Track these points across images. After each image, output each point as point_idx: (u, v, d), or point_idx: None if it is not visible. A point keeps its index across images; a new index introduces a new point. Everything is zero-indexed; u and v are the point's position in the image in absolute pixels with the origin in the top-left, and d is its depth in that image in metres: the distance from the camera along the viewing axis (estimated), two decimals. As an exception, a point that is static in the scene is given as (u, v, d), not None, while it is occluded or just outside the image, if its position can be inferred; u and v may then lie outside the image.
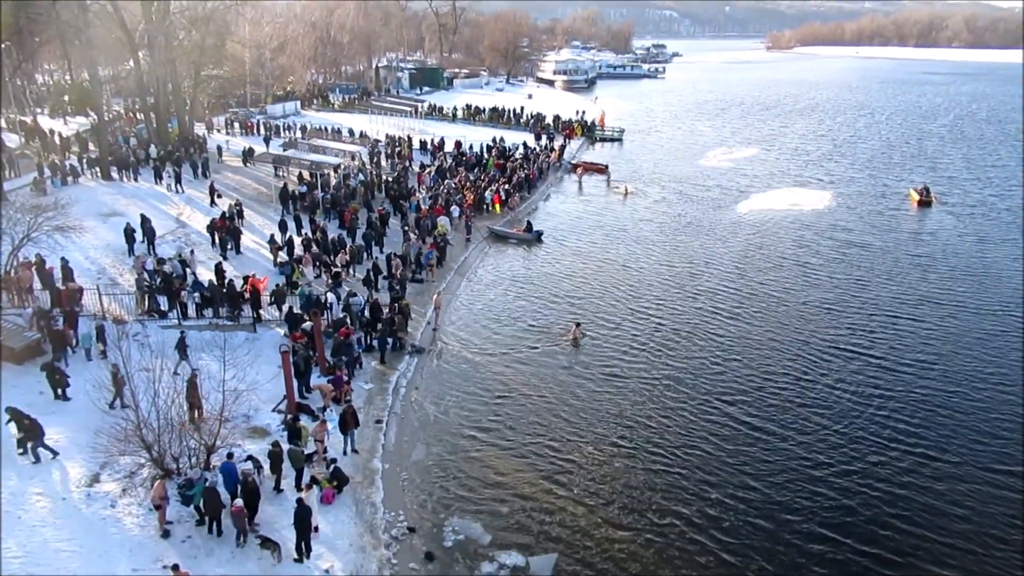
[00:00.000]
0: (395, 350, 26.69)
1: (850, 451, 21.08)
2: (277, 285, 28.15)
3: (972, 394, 24.12)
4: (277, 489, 18.97)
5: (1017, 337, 28.14)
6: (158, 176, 42.10)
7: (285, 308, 27.03)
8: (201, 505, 17.66)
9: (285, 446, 19.65)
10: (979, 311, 30.78)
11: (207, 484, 17.89)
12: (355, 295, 28.08)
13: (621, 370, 25.75)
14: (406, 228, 37.47)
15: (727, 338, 27.84)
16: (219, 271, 29.01)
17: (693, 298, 31.88)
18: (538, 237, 40.61)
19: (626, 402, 23.67)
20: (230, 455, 18.85)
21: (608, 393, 24.23)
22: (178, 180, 41.53)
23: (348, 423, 20.72)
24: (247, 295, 27.00)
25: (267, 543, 16.73)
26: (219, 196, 40.23)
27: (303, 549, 16.73)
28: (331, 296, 27.60)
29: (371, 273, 31.03)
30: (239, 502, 17.61)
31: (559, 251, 39.24)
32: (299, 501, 16.69)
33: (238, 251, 33.46)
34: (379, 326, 26.45)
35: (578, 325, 28.32)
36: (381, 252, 34.96)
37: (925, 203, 47.09)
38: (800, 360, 26.17)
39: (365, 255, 34.21)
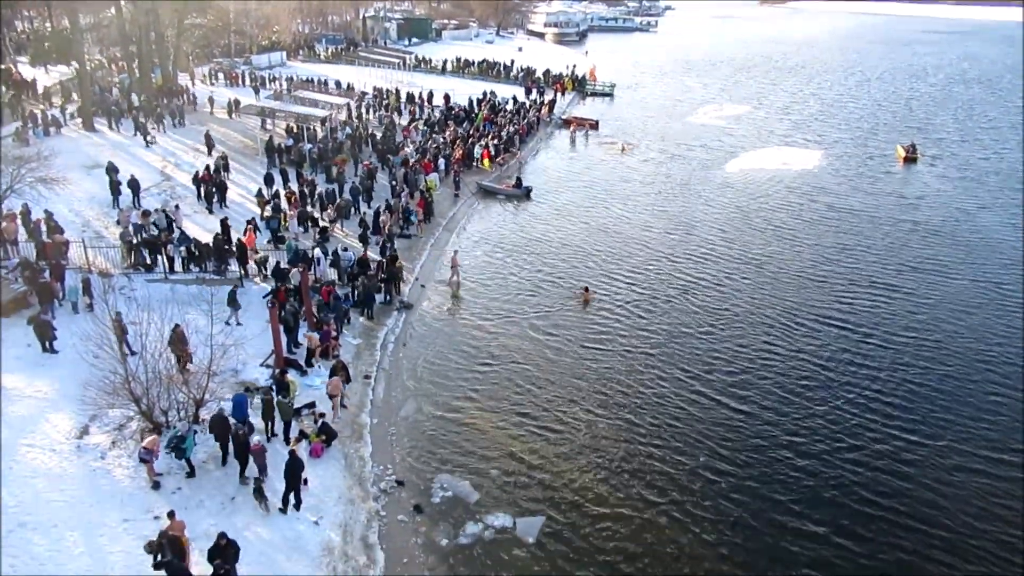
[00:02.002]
0: (386, 304, 26.62)
1: (832, 426, 20.44)
2: (260, 252, 27.80)
3: (969, 368, 23.09)
4: (268, 437, 18.90)
5: (1017, 304, 27.24)
6: (139, 129, 41.18)
7: (272, 264, 26.85)
8: (205, 442, 17.46)
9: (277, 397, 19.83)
10: (974, 277, 29.90)
11: (219, 411, 18.37)
12: (344, 250, 27.92)
13: (610, 334, 25.59)
14: (394, 183, 37.13)
15: (715, 304, 27.42)
16: (223, 226, 28.35)
17: (682, 261, 31.67)
18: (527, 193, 40.37)
19: (619, 368, 23.42)
20: (246, 388, 19.53)
21: (600, 358, 23.97)
22: (145, 133, 40.54)
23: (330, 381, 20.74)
24: (234, 250, 26.66)
25: (260, 493, 16.75)
26: (213, 146, 39.61)
27: (289, 501, 16.76)
28: (318, 251, 27.40)
29: (362, 228, 30.82)
30: (258, 438, 17.88)
31: (548, 208, 39.00)
32: (291, 453, 16.75)
33: (223, 204, 33.08)
34: (365, 281, 26.14)
35: (587, 289, 28.13)
36: (369, 207, 34.64)
37: (911, 159, 47.09)
38: (783, 329, 25.66)
39: (353, 210, 33.98)
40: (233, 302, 24.06)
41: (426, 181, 37.48)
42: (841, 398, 21.90)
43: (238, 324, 23.67)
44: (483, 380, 22.68)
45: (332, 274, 27.24)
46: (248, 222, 29.41)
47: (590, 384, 22.63)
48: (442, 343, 24.91)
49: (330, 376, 20.72)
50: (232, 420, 18.43)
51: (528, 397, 21.86)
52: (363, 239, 30.00)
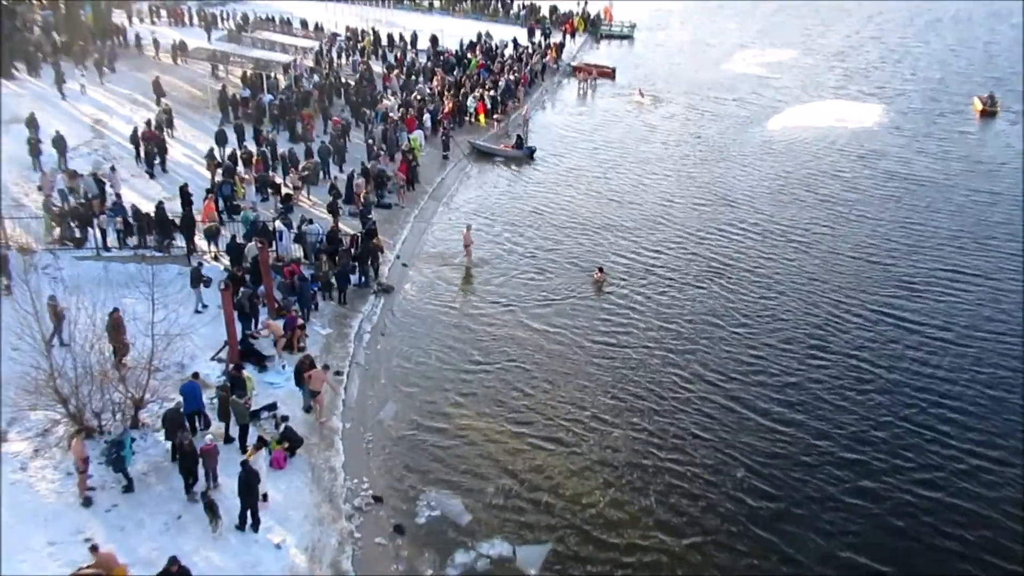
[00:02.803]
0: (361, 287, 26.57)
1: (898, 441, 20.06)
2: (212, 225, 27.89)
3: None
4: (227, 440, 19.10)
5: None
6: (58, 81, 40.39)
7: (226, 238, 26.72)
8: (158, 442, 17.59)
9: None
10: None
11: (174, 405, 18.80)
12: (311, 222, 27.82)
13: (632, 325, 25.52)
14: (371, 142, 36.98)
15: (752, 292, 27.26)
16: (184, 194, 28.28)
17: (712, 239, 31.51)
18: (530, 155, 40.23)
19: (637, 368, 23.31)
20: (195, 375, 19.74)
21: (614, 356, 23.91)
22: (61, 83, 39.79)
23: (303, 375, 20.40)
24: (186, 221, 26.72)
25: (211, 508, 16.67)
26: (164, 95, 39.54)
27: (246, 519, 16.64)
28: (280, 223, 27.37)
29: (332, 196, 30.92)
30: (210, 438, 18.04)
31: (554, 173, 38.59)
32: (244, 464, 16.63)
33: (165, 168, 32.87)
34: (337, 259, 26.17)
35: (601, 270, 28.40)
36: (341, 171, 34.31)
37: (989, 113, 46.82)
38: (835, 323, 25.22)
39: (322, 174, 33.70)
40: (199, 280, 24.12)
41: (409, 140, 37.13)
42: (909, 408, 21.48)
43: (204, 307, 23.91)
44: (476, 380, 22.60)
45: (297, 251, 27.12)
46: (208, 191, 29.34)
47: (602, 387, 22.45)
48: (428, 335, 24.85)
49: (297, 373, 20.69)
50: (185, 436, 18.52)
51: (530, 401, 21.77)
52: (333, 209, 29.81)
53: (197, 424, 19.48)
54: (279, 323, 22.81)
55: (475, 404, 21.66)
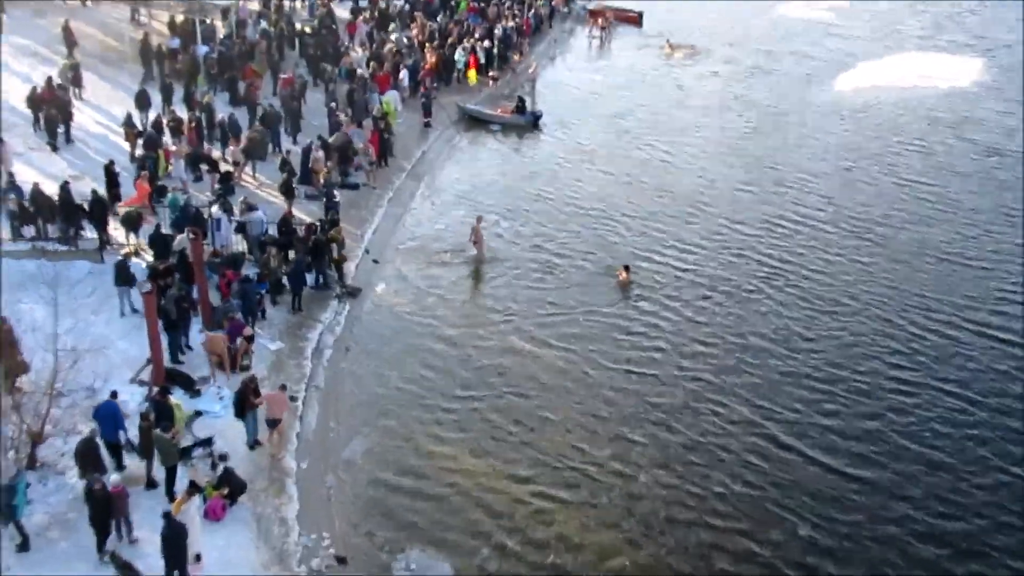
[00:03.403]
0: (320, 289, 26.57)
1: (984, 508, 19.33)
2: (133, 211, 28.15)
3: None
4: (149, 484, 19.03)
5: None
6: None
7: (151, 227, 26.94)
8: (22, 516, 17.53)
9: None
10: None
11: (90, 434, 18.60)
12: (255, 208, 27.67)
13: (662, 342, 25.34)
14: (333, 105, 36.66)
15: (814, 301, 26.94)
16: (109, 173, 28.20)
17: (763, 231, 31.34)
18: (534, 123, 40.32)
19: (667, 396, 23.08)
20: (114, 394, 19.52)
21: (639, 380, 23.73)
22: None
23: (248, 402, 20.47)
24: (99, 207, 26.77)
25: (125, 569, 16.54)
26: (76, 46, 39.41)
27: (173, 586, 18.09)
28: (218, 209, 27.31)
29: (285, 173, 30.67)
30: (116, 478, 17.67)
31: (565, 145, 38.51)
32: (167, 517, 16.42)
33: (69, 139, 32.65)
34: (291, 254, 26.23)
35: (627, 269, 28.54)
36: (295, 142, 34.37)
37: None
38: (924, 345, 24.66)
39: (271, 147, 33.45)
40: (126, 278, 24.18)
41: (381, 103, 37.27)
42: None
43: (133, 311, 24.15)
44: (467, 410, 22.53)
45: (239, 244, 27.24)
46: (141, 167, 29.17)
47: (624, 421, 22.26)
48: (406, 351, 24.91)
49: (237, 402, 20.45)
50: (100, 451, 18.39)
51: (533, 438, 21.62)
52: (286, 190, 29.85)
53: (119, 458, 19.32)
54: (220, 335, 22.62)
55: (466, 441, 21.45)
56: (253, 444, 20.62)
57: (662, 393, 23.44)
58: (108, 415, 19.24)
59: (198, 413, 21.31)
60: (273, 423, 20.31)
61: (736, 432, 22.04)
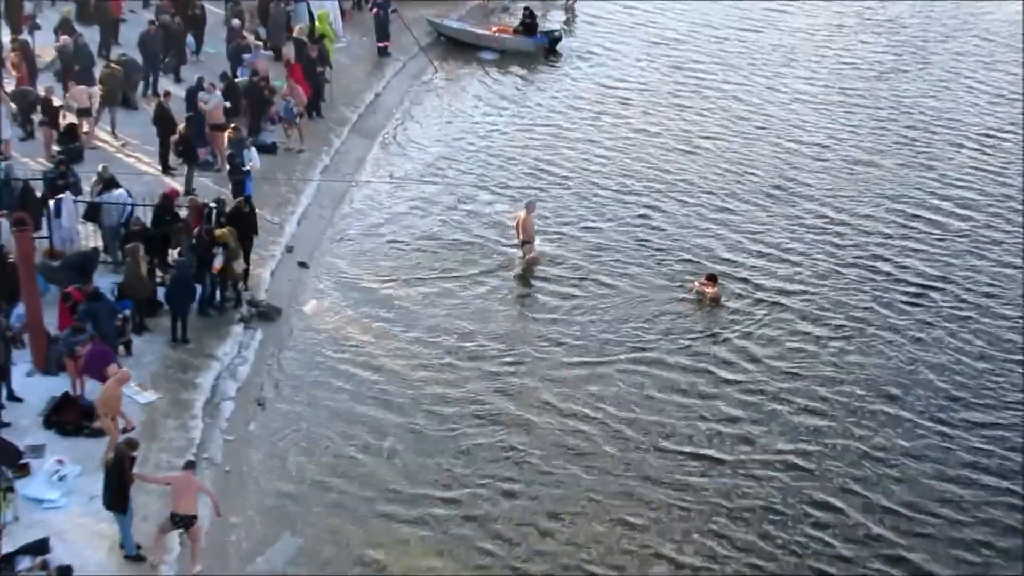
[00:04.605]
0: (212, 310, 25.34)
1: None
2: None
3: None
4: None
5: None
6: None
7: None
8: None
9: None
10: None
11: None
12: (114, 183, 26.17)
13: (753, 408, 23.48)
14: (236, 22, 35.35)
15: (978, 344, 25.74)
16: None
17: (910, 230, 30.32)
18: (549, 49, 39.78)
19: (760, 507, 21.22)
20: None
21: (719, 477, 21.89)
22: None
23: (126, 481, 18.66)
24: None
25: None
26: None
27: None
28: (58, 184, 25.81)
29: (161, 129, 28.91)
30: None
31: (594, 89, 37.67)
32: None
33: None
34: (173, 255, 24.86)
35: (713, 279, 26.79)
36: (178, 80, 33.37)
37: None
38: None
39: (143, 88, 32.58)
40: None
41: (313, 17, 36.38)
42: None
43: None
44: (441, 514, 20.57)
45: (91, 239, 26.01)
46: None
47: (686, 544, 20.25)
48: (348, 407, 22.90)
49: (111, 484, 18.41)
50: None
51: (539, 565, 19.64)
52: (164, 158, 29.09)
53: None
54: (115, 382, 20.76)
55: (449, 542, 19.81)
56: (136, 552, 18.94)
57: (743, 492, 21.52)
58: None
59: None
60: (182, 521, 18.64)
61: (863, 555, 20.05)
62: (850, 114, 37.85)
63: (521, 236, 28.02)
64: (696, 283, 26.89)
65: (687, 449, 22.68)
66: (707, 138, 35.30)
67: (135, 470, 19.02)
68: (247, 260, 26.18)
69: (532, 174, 32.94)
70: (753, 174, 33.16)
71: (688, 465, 22.27)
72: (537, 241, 28.35)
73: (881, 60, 44.16)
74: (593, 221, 30.62)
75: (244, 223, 26.25)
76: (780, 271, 28.61)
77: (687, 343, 25.70)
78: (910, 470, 22.49)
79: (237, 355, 24.65)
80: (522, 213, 28.21)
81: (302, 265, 27.94)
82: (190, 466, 19.53)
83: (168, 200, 25.88)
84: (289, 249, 28.32)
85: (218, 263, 25.10)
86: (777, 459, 22.48)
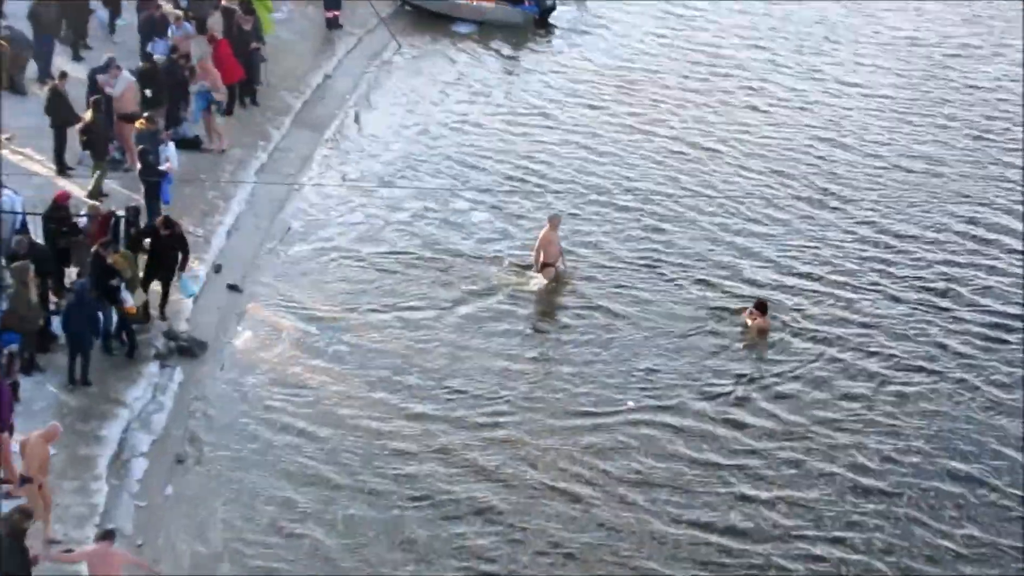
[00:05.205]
0: (119, 344, 24.60)
1: None
2: None
3: None
4: None
5: None
6: None
7: None
8: None
9: None
10: None
11: None
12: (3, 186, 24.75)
13: (823, 464, 22.45)
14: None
15: None
16: None
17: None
18: (541, 18, 39.30)
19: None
20: None
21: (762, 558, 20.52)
22: None
23: (26, 560, 17.81)
24: None
25: None
26: None
27: None
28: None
29: (56, 123, 28.04)
30: None
31: (600, 67, 37.59)
32: None
33: None
34: (70, 275, 24.02)
35: (763, 308, 26.16)
36: (77, 57, 32.69)
37: None
38: None
39: (34, 65, 31.57)
40: None
41: None
42: None
43: None
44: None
45: None
46: None
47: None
48: (293, 459, 22.18)
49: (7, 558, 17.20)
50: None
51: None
52: (60, 156, 28.55)
53: None
54: (39, 435, 20.20)
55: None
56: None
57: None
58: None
59: None
60: None
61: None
62: (910, 103, 37.14)
63: (541, 258, 27.29)
64: (746, 312, 26.11)
65: (711, 521, 22.09)
66: (731, 133, 34.49)
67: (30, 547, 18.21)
68: (165, 292, 25.83)
69: (518, 176, 32.11)
70: (789, 178, 32.58)
71: (712, 544, 21.65)
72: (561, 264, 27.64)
73: (949, 35, 43.52)
74: (594, 235, 29.62)
75: (161, 246, 25.60)
76: (826, 297, 28.10)
77: (715, 387, 24.74)
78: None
79: (151, 400, 24.06)
80: (543, 229, 27.50)
81: (233, 288, 27.10)
82: (107, 536, 18.95)
83: (61, 206, 25.10)
84: (217, 268, 27.39)
85: (129, 302, 24.54)
86: (819, 549, 21.73)
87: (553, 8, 39.92)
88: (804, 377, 25.62)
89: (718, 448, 23.56)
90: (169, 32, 32.52)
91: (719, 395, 24.87)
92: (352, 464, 22.93)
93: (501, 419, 24.41)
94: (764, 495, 22.68)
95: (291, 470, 22.78)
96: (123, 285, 24.77)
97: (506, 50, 39.09)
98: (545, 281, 27.39)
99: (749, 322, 25.82)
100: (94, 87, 29.49)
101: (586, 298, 28.17)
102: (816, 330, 26.97)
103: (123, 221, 25.63)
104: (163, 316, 25.57)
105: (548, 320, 27.71)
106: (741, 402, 24.65)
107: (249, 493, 22.14)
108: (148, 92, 29.93)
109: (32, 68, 32.45)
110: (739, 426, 23.93)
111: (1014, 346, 27.38)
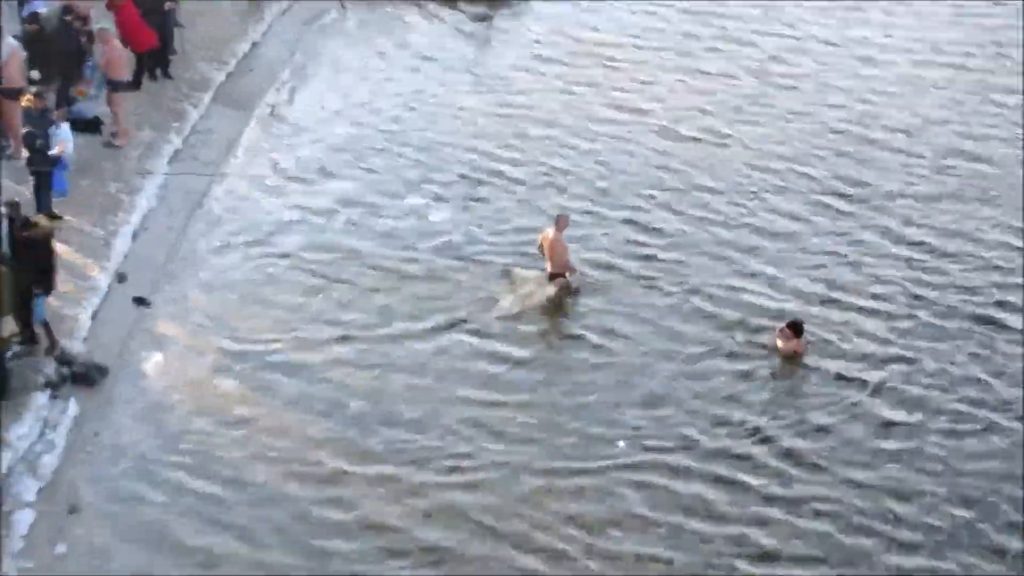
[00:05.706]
0: (9, 359, 23.45)
1: None
2: None
3: None
4: None
5: None
6: None
7: None
8: None
9: None
10: None
11: None
12: None
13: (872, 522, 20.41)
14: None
15: None
16: None
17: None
18: None
19: None
20: None
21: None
22: None
23: None
24: None
25: None
26: None
27: None
28: None
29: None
30: None
31: (581, 33, 37.33)
32: None
33: None
34: None
35: (798, 329, 25.10)
36: None
37: None
38: None
39: None
40: None
41: None
42: None
43: None
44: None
45: None
46: None
47: None
48: (210, 510, 21.40)
49: None
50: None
51: None
52: None
53: None
54: None
55: None
56: None
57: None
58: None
59: None
60: None
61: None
62: (948, 83, 36.11)
63: (549, 267, 26.32)
64: (775, 332, 25.06)
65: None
66: (739, 117, 33.81)
67: None
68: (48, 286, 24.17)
69: (486, 166, 31.60)
70: (807, 172, 32.04)
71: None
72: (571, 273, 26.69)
73: (991, 7, 42.23)
74: (580, 236, 28.77)
75: (33, 251, 24.62)
76: (856, 317, 27.52)
77: (729, 427, 23.79)
78: None
79: (39, 438, 23.25)
80: (548, 232, 26.55)
81: (140, 302, 25.90)
82: None
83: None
84: (120, 277, 26.10)
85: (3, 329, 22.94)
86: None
87: None
88: (841, 412, 25.66)
89: (727, 505, 23.45)
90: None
91: (738, 433, 24.56)
92: (282, 518, 22.94)
93: (462, 474, 24.18)
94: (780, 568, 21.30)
95: (208, 520, 22.57)
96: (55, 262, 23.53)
97: (471, 12, 38.68)
98: (552, 293, 27.09)
99: (780, 344, 24.96)
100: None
101: (571, 314, 28.27)
102: (854, 353, 26.81)
103: (3, 219, 23.88)
104: (52, 343, 25.66)
105: (522, 349, 26.94)
106: (755, 445, 24.42)
107: (159, 549, 21.66)
108: (35, 74, 29.56)
109: None
110: (752, 472, 23.89)
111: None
